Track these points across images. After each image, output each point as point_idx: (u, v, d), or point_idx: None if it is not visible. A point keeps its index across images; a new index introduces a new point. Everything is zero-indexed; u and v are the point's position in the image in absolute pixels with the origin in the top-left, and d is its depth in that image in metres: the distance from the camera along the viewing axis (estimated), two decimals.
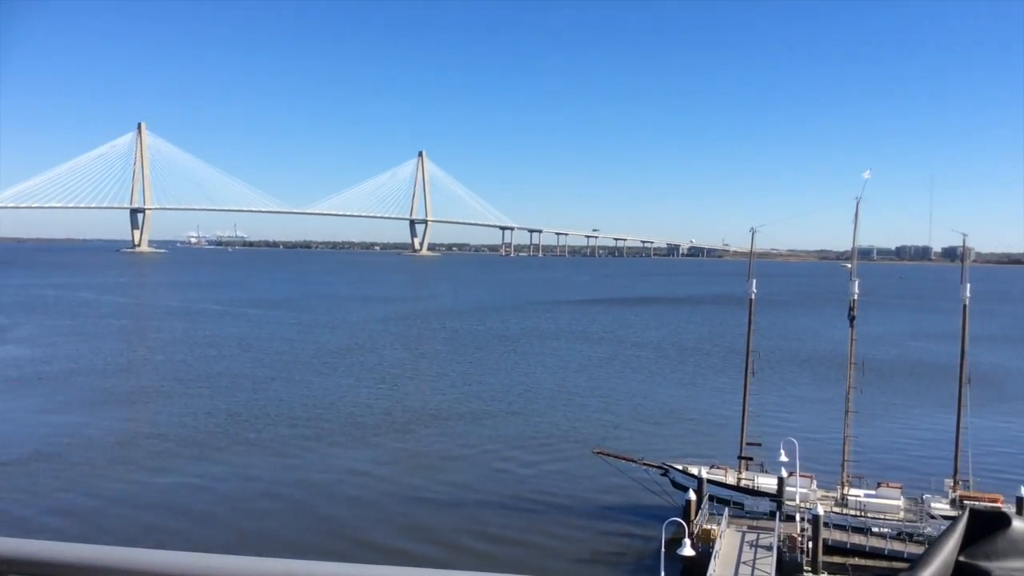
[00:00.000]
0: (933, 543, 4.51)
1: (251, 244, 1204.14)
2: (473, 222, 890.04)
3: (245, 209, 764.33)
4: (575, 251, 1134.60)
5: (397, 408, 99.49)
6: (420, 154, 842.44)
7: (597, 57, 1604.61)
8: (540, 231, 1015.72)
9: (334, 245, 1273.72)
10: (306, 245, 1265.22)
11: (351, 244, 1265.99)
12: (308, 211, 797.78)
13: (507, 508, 63.65)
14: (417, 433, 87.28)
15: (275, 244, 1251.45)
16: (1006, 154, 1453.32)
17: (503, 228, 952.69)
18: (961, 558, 4.42)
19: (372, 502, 64.59)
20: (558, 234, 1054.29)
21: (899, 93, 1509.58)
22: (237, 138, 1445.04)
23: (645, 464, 64.21)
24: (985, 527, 4.41)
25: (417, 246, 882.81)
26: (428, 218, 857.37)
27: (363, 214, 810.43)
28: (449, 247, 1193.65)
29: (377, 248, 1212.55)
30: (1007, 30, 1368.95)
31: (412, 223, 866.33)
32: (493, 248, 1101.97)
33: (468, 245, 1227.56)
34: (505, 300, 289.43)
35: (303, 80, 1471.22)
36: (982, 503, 55.62)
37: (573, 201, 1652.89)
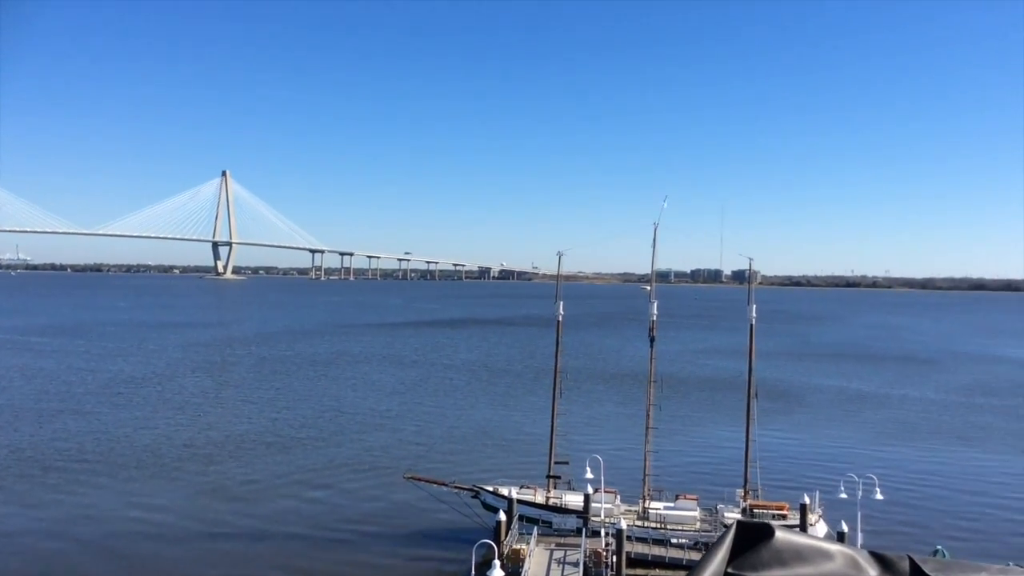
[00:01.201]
0: (704, 556, 4.64)
1: (35, 267, 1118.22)
2: (281, 244, 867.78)
3: (28, 230, 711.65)
4: (387, 274, 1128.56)
5: (199, 439, 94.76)
6: (224, 174, 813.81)
7: (406, 80, 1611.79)
8: (351, 254, 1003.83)
9: (128, 268, 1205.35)
10: (97, 268, 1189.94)
11: (147, 267, 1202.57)
12: (99, 232, 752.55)
13: (314, 539, 61.81)
14: (220, 464, 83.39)
15: (62, 267, 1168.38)
16: (786, 186, 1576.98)
17: (313, 251, 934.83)
18: (729, 569, 4.59)
19: (168, 541, 60.88)
20: (370, 257, 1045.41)
21: (691, 123, 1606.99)
22: (20, 155, 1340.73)
23: (456, 487, 64.08)
24: (751, 539, 4.62)
25: (221, 269, 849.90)
26: (232, 240, 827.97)
27: (161, 235, 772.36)
28: (256, 270, 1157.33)
29: (176, 271, 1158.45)
30: (786, 64, 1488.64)
31: (215, 245, 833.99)
32: (303, 271, 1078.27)
33: (276, 268, 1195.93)
34: (314, 324, 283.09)
35: (95, 94, 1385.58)
36: (770, 510, 59.47)
37: (385, 224, 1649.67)
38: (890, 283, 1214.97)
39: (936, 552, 52.46)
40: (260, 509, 68.86)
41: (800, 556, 4.59)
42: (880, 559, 4.74)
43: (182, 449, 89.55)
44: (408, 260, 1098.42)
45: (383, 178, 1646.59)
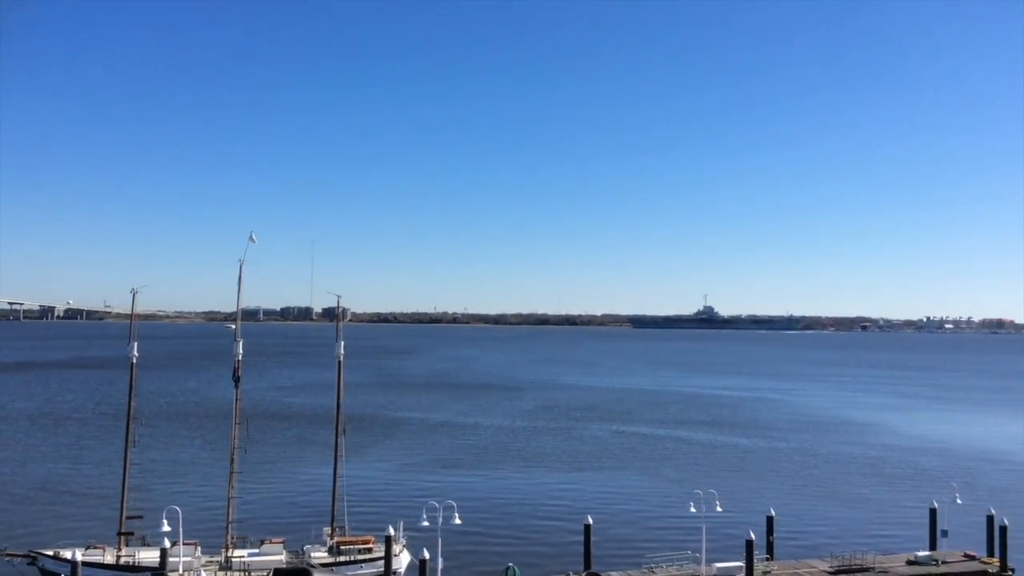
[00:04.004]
0: None
1: None
2: None
3: None
4: None
5: None
6: None
7: None
8: None
9: None
10: None
11: None
12: None
13: None
14: None
15: None
16: (373, 226, 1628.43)
17: None
18: None
19: None
20: None
21: (279, 163, 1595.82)
22: None
23: (8, 555, 56.68)
24: None
25: None
26: None
27: None
28: None
29: None
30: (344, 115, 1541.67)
31: None
32: None
33: None
34: None
35: None
36: (356, 545, 60.18)
37: None
38: (468, 319, 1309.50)
39: (507, 570, 56.67)
40: None
41: None
42: None
43: None
44: None
45: None
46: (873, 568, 59.17)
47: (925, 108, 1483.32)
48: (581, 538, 59.64)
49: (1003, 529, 60.52)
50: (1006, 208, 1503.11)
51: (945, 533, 62.64)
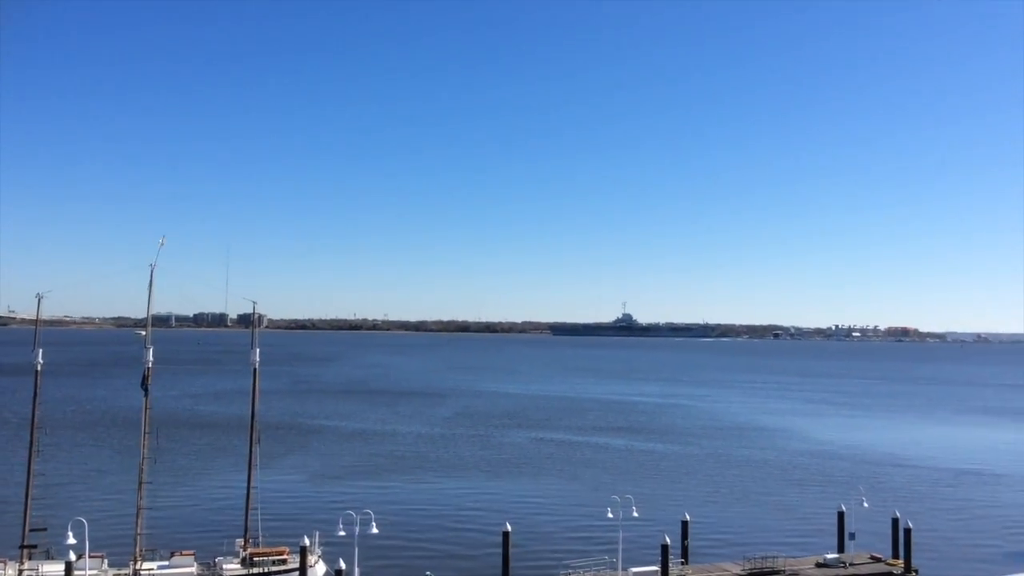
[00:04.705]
0: None
1: None
2: None
3: None
4: None
5: None
6: None
7: None
8: None
9: None
10: None
11: None
12: None
13: None
14: None
15: None
16: (293, 233, 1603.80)
17: None
18: None
19: None
20: None
21: (192, 166, 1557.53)
22: None
23: None
24: None
25: None
26: None
27: None
28: None
29: None
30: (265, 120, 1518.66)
31: None
32: None
33: None
34: None
35: None
36: (270, 557, 59.03)
37: None
38: (389, 326, 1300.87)
39: None
40: None
41: None
42: None
43: None
44: None
45: None
46: (784, 571, 60.66)
47: (818, 118, 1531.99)
48: (500, 546, 59.69)
49: (907, 531, 62.75)
50: (910, 219, 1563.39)
51: (852, 535, 64.64)
